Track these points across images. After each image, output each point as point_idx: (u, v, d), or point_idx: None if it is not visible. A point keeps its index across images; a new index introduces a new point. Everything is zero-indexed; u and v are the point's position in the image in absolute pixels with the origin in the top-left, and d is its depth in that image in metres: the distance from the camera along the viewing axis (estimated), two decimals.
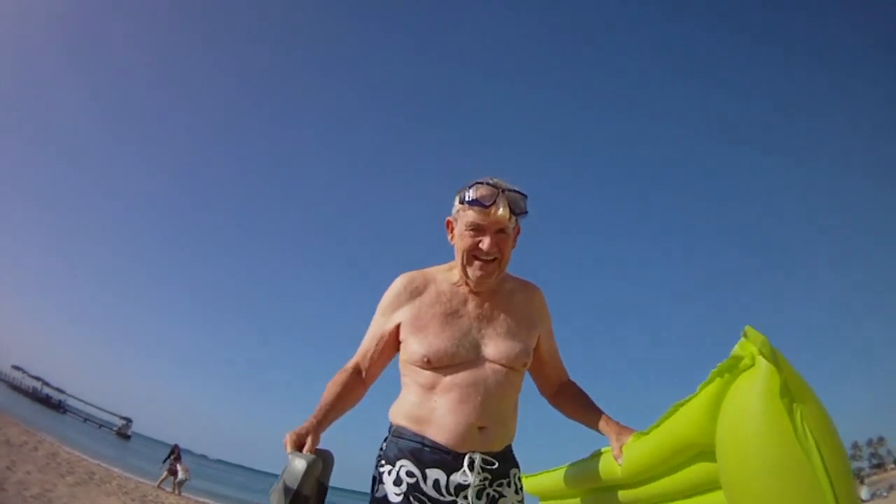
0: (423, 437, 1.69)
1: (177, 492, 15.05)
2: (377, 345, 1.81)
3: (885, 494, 24.80)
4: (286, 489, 1.48)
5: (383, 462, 1.74)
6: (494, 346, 1.73)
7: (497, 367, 1.71)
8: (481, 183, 1.72)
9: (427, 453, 1.67)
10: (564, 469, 2.11)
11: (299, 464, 1.50)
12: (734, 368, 1.18)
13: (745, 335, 1.18)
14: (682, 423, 1.37)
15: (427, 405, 1.70)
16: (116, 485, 10.64)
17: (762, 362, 1.13)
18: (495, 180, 1.73)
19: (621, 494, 1.76)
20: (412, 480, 1.66)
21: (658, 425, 1.48)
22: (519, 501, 1.77)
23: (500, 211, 1.68)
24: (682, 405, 1.37)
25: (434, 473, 1.66)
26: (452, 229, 1.81)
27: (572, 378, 2.00)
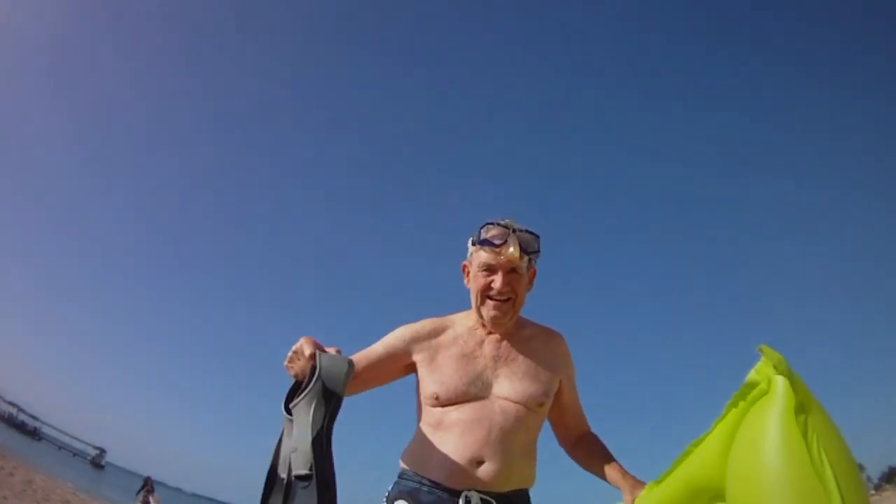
0: (422, 477, 1.66)
1: None
2: (381, 358, 1.77)
3: None
4: (327, 393, 1.32)
5: (384, 502, 1.73)
6: (508, 384, 1.71)
7: (507, 404, 1.68)
8: (492, 224, 1.74)
9: (424, 493, 1.64)
10: None
11: (341, 364, 1.36)
12: (748, 396, 1.16)
13: (761, 353, 1.16)
14: (695, 466, 1.32)
15: (430, 443, 1.68)
16: None
17: (779, 381, 1.11)
18: (506, 221, 1.75)
19: None
20: None
21: (671, 472, 1.41)
22: None
23: (511, 250, 1.69)
24: (696, 445, 1.32)
25: None
26: (468, 273, 1.83)
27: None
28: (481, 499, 1.60)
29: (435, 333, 1.81)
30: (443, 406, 1.68)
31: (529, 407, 1.70)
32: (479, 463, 1.61)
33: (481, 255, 1.74)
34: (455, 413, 1.67)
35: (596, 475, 1.77)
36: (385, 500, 1.72)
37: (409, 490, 1.67)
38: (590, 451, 1.83)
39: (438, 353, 1.76)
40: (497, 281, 1.71)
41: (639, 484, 1.62)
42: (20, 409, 70.37)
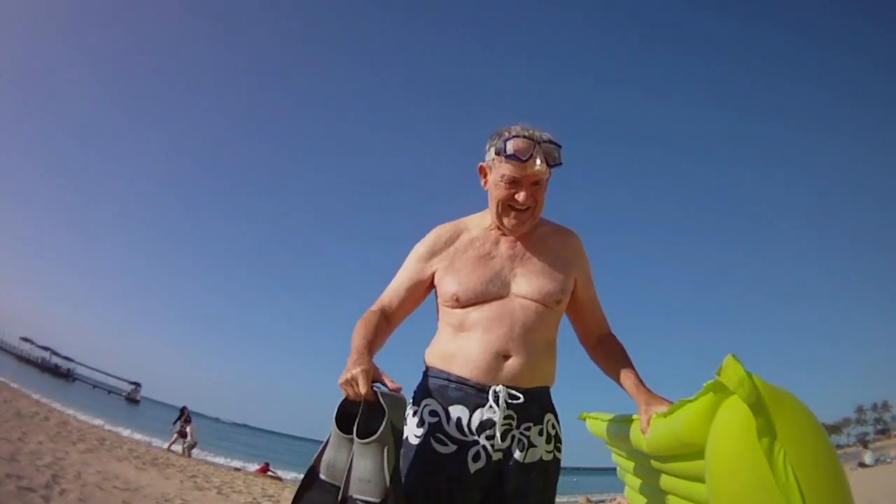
0: (449, 374, 1.67)
1: (186, 454, 15.12)
2: (409, 289, 1.78)
3: (889, 460, 24.37)
4: (397, 431, 1.42)
5: (411, 403, 1.72)
6: (526, 283, 1.71)
7: (526, 301, 1.69)
8: (518, 136, 1.67)
9: (452, 389, 1.65)
10: (613, 421, 2.07)
11: (402, 405, 1.46)
12: (722, 389, 1.13)
13: (723, 368, 1.10)
14: (681, 422, 1.33)
15: (454, 342, 1.69)
16: (127, 449, 10.66)
17: (739, 406, 1.06)
18: (531, 131, 1.68)
19: (653, 463, 1.73)
20: (434, 420, 1.63)
21: (670, 413, 1.41)
22: (549, 453, 1.68)
23: (538, 165, 1.65)
24: (685, 402, 1.31)
25: (457, 411, 1.63)
26: (486, 175, 1.77)
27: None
28: (508, 393, 1.61)
29: (450, 241, 1.79)
30: (463, 307, 1.70)
31: (547, 304, 1.71)
32: (506, 357, 1.63)
33: (505, 167, 1.68)
34: (476, 313, 1.68)
35: (614, 380, 1.77)
36: (412, 397, 1.74)
37: (436, 387, 1.68)
38: (608, 355, 1.84)
39: (456, 257, 1.76)
40: (521, 195, 1.68)
41: (653, 399, 1.61)
42: (53, 353, 72.20)
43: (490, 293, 1.69)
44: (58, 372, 67.10)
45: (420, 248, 1.81)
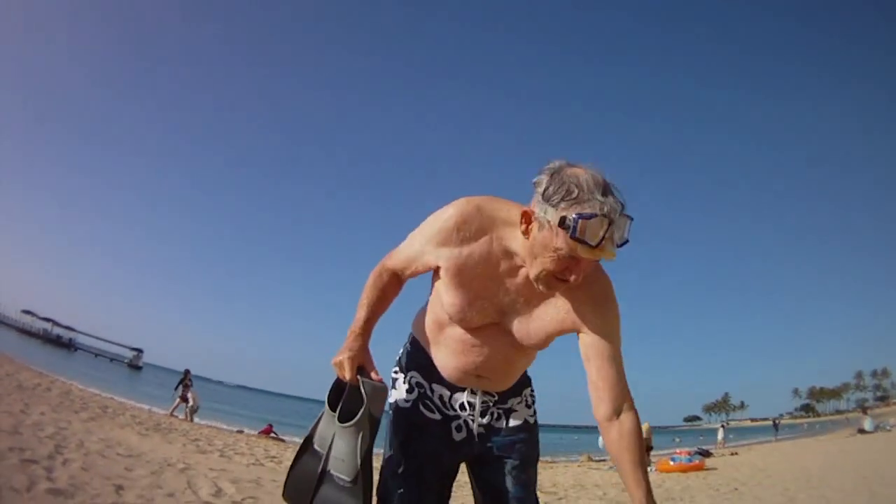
0: (430, 356, 1.70)
1: (189, 418, 15.31)
2: (422, 263, 1.62)
3: (888, 428, 24.26)
4: (373, 419, 1.49)
5: (397, 369, 1.79)
6: (519, 324, 1.57)
7: (514, 340, 1.58)
8: (592, 216, 1.32)
9: (435, 372, 1.69)
10: None
11: (382, 395, 1.51)
12: None
13: None
14: None
15: (438, 335, 1.67)
16: (130, 416, 10.78)
17: None
18: (607, 207, 1.33)
19: None
20: (421, 390, 1.71)
21: None
22: (531, 416, 1.75)
23: (607, 252, 1.36)
24: None
25: (439, 389, 1.69)
26: (529, 223, 1.43)
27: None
28: (484, 395, 1.68)
29: (469, 238, 1.52)
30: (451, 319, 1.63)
31: (536, 348, 1.63)
32: (479, 377, 1.65)
33: (565, 242, 1.36)
34: (460, 330, 1.61)
35: (621, 477, 1.52)
36: (397, 366, 1.80)
37: (422, 364, 1.72)
38: (624, 447, 1.49)
39: (466, 267, 1.53)
40: (574, 277, 1.41)
41: None
42: (55, 323, 72.29)
43: (483, 322, 1.58)
44: (59, 342, 67.30)
45: (432, 228, 1.57)
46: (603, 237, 1.32)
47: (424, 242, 1.59)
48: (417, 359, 1.74)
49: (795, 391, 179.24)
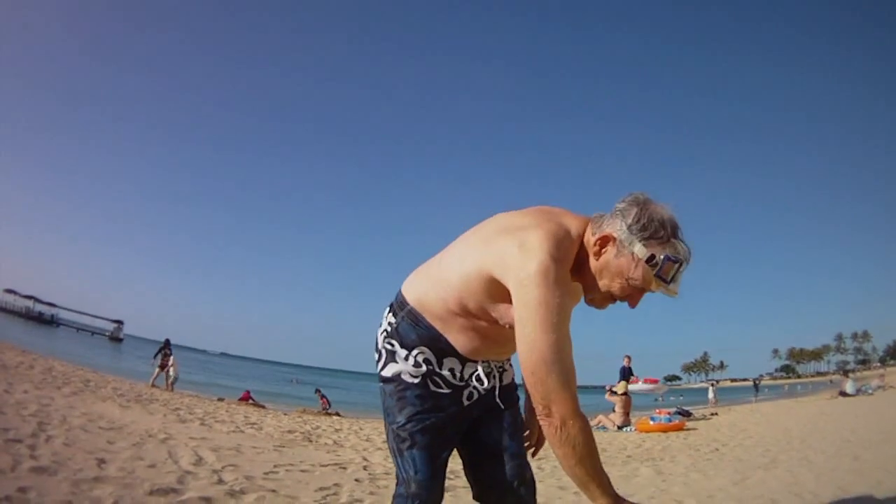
0: (441, 335, 1.66)
1: (170, 388, 15.30)
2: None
3: (870, 391, 23.98)
4: None
5: (395, 343, 1.70)
6: None
7: None
8: (679, 261, 1.46)
9: (444, 343, 1.66)
10: None
11: None
12: None
13: None
14: None
15: (465, 322, 1.64)
16: (111, 388, 10.79)
17: None
18: (688, 253, 1.48)
19: None
20: (429, 367, 1.67)
21: None
22: (513, 375, 1.85)
23: (672, 288, 1.48)
24: None
25: (450, 362, 1.68)
26: (606, 246, 1.50)
27: None
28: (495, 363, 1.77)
29: (567, 268, 1.50)
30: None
31: None
32: (499, 353, 1.74)
33: (644, 274, 1.46)
34: (497, 326, 1.62)
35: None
36: (394, 339, 1.71)
37: (429, 338, 1.66)
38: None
39: (568, 302, 1.49)
40: (635, 302, 1.53)
41: None
42: (36, 300, 71.61)
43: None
44: (42, 319, 66.74)
45: (556, 273, 1.41)
46: (674, 277, 1.46)
47: (564, 314, 1.42)
48: (423, 334, 1.67)
49: (775, 352, 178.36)
